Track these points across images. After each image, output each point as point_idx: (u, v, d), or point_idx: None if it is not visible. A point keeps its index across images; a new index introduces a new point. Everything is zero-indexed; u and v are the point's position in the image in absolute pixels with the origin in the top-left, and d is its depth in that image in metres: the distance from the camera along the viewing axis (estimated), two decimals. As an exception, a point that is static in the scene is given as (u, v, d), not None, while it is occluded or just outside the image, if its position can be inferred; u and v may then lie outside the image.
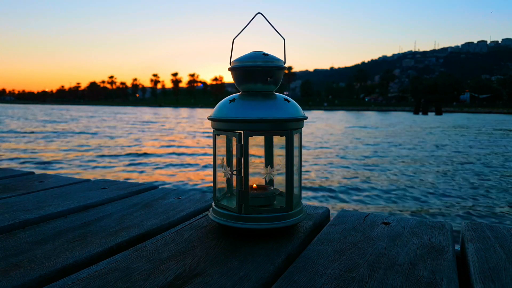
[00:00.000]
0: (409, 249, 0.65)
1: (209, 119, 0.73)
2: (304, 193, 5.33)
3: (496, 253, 0.64)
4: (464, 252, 0.67)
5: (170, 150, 10.23)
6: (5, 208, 0.87)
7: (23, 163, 7.82)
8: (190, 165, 7.89)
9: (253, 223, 0.68)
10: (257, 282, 0.53)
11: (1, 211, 0.84)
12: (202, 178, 6.54)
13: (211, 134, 0.75)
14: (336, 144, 11.96)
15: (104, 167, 7.45)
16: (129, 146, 10.69)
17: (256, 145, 0.77)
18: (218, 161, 0.75)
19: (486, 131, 19.36)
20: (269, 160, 0.80)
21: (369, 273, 0.56)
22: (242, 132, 0.68)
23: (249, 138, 0.68)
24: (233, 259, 0.60)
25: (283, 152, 0.71)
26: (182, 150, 10.12)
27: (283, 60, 0.74)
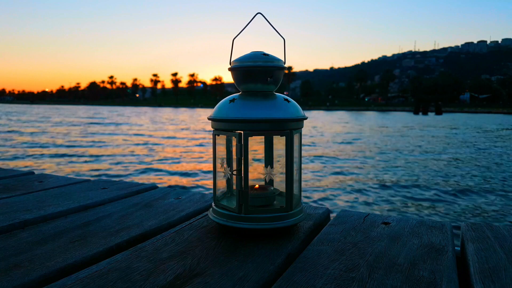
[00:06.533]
0: (409, 249, 0.65)
1: (209, 119, 0.73)
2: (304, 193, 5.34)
3: (496, 253, 0.64)
4: (464, 252, 0.67)
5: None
6: (5, 208, 0.87)
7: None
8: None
9: (253, 223, 0.68)
10: (257, 282, 0.53)
11: (1, 211, 0.84)
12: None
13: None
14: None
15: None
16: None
17: (256, 144, 0.77)
18: (218, 161, 0.75)
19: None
20: (269, 160, 0.80)
21: (369, 273, 0.56)
22: (242, 132, 0.68)
23: (249, 138, 0.68)
24: (233, 259, 0.60)
25: (283, 152, 0.71)
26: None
27: (283, 60, 0.74)
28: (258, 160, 0.80)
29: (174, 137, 14.34)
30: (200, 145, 12.11)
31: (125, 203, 0.93)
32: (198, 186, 5.98)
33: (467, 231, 0.74)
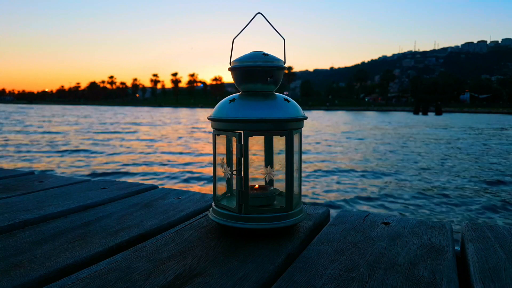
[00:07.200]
0: (409, 249, 0.65)
1: (209, 119, 0.73)
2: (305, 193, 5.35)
3: (496, 253, 0.64)
4: (464, 252, 0.67)
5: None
6: (5, 208, 0.87)
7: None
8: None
9: (253, 223, 0.68)
10: (257, 282, 0.53)
11: (1, 211, 0.84)
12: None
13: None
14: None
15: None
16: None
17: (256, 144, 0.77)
18: (218, 161, 0.75)
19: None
20: (269, 160, 0.80)
21: (369, 273, 0.56)
22: (242, 132, 0.68)
23: (249, 138, 0.68)
24: (233, 259, 0.60)
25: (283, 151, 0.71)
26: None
27: (283, 60, 0.74)
28: (258, 159, 0.80)
29: (173, 136, 14.37)
30: (197, 142, 12.18)
31: (125, 203, 0.93)
32: (198, 185, 5.98)
33: (467, 231, 0.74)
